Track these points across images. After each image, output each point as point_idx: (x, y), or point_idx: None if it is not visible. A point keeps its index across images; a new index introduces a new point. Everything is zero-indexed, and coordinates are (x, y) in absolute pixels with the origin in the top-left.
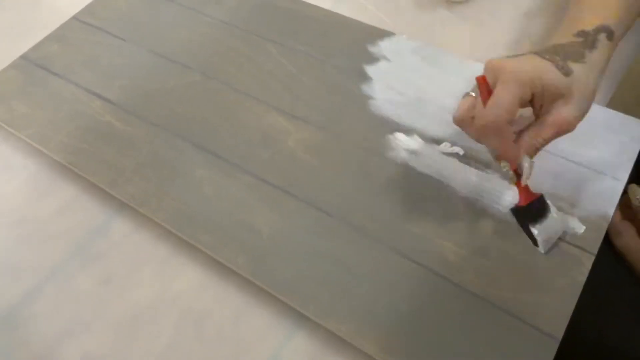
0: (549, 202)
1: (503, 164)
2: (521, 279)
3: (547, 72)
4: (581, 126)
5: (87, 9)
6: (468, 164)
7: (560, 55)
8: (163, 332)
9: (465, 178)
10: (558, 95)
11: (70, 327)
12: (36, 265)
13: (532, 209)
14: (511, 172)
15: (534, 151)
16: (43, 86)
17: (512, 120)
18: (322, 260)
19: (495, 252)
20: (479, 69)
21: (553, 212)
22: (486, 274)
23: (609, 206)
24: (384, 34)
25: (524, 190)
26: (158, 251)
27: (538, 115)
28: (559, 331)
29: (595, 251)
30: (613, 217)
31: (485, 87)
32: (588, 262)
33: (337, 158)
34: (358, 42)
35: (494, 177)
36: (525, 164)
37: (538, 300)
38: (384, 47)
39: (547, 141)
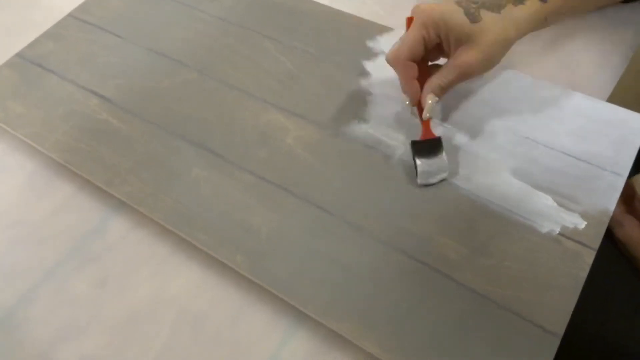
0: (443, 146)
1: (405, 97)
2: (522, 276)
3: (453, 16)
4: (582, 121)
5: (82, 7)
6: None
7: (479, 3)
8: (161, 333)
9: (463, 176)
10: (463, 40)
11: (67, 329)
12: (32, 267)
13: (425, 145)
14: (410, 107)
15: (438, 89)
16: (39, 84)
17: (413, 57)
18: (321, 259)
19: (496, 250)
20: None
21: (443, 156)
22: (487, 271)
23: (610, 201)
24: (382, 29)
25: (425, 127)
26: (155, 251)
27: (448, 58)
28: (561, 328)
29: (597, 247)
30: (615, 209)
31: (408, 26)
32: (589, 257)
33: (336, 156)
34: (356, 37)
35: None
36: (429, 101)
37: (539, 297)
38: (382, 42)
39: (451, 82)
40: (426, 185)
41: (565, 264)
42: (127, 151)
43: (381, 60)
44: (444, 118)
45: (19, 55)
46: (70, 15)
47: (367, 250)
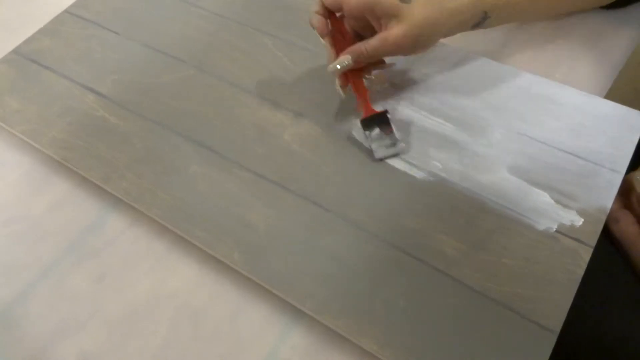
0: (389, 119)
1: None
2: (519, 273)
3: None
4: (579, 118)
5: (79, 2)
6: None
7: None
8: (159, 329)
9: (461, 173)
10: (391, 15)
11: (65, 325)
12: (30, 263)
13: (372, 120)
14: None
15: (357, 53)
16: (35, 81)
17: (312, 23)
18: (318, 256)
19: (493, 247)
20: (475, 61)
21: (393, 128)
22: (484, 268)
23: (607, 198)
24: None
25: (365, 104)
26: (153, 248)
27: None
28: (557, 325)
29: (594, 244)
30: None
31: None
32: (586, 255)
33: (333, 152)
34: None
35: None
36: (341, 58)
37: (536, 294)
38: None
39: (373, 50)
40: (383, 159)
41: (562, 261)
42: (124, 148)
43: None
44: (443, 115)
45: (15, 51)
46: (66, 11)
47: (364, 247)
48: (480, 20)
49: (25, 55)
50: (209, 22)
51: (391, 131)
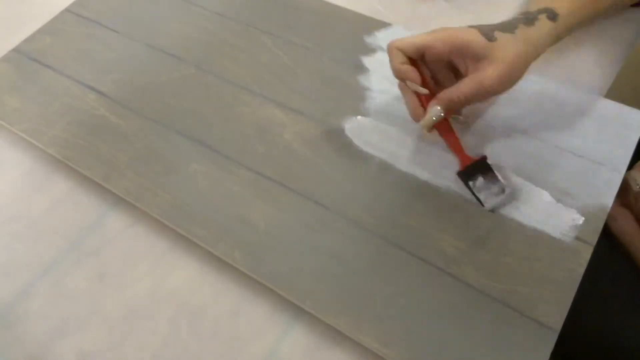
0: (490, 163)
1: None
2: (519, 271)
3: (471, 34)
4: (579, 117)
5: (79, 1)
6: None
7: (491, 27)
8: (159, 328)
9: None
10: (481, 56)
11: (65, 324)
12: (30, 262)
13: (473, 169)
14: (424, 131)
15: (447, 101)
16: (36, 80)
17: (410, 51)
18: (319, 254)
19: (493, 245)
20: None
21: (496, 173)
22: (484, 266)
23: (608, 197)
24: (380, 24)
25: (461, 154)
26: (153, 246)
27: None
28: (558, 323)
29: (594, 242)
30: None
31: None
32: (587, 253)
33: (333, 151)
34: (354, 33)
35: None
36: (431, 110)
37: (536, 292)
38: (380, 38)
39: (465, 96)
40: (495, 210)
41: (562, 259)
42: (125, 146)
43: (379, 56)
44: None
45: (16, 50)
46: (67, 10)
47: (365, 245)
48: (554, 44)
49: (26, 54)
50: (209, 21)
51: (496, 177)
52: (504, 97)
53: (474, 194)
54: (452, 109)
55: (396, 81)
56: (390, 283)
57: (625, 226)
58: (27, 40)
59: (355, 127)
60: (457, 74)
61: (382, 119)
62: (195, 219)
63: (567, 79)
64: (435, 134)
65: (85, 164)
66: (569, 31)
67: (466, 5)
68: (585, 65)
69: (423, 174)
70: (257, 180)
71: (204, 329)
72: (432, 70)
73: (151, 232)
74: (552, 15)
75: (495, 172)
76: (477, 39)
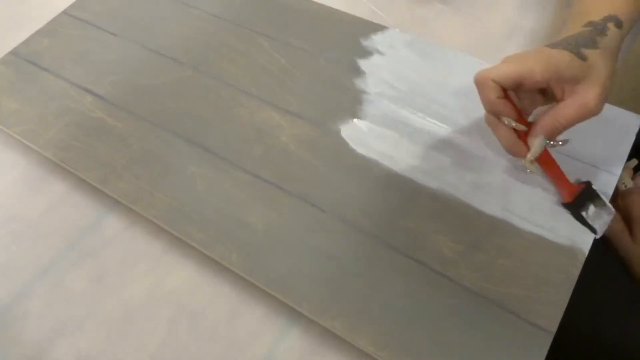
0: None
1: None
2: (515, 273)
3: (562, 56)
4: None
5: (77, 3)
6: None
7: (573, 44)
8: (157, 330)
9: (457, 175)
10: (578, 80)
11: (63, 326)
12: (27, 264)
13: (582, 199)
14: (529, 165)
15: (551, 129)
16: (33, 82)
17: (502, 82)
18: (316, 257)
19: (490, 247)
20: (472, 62)
21: (602, 197)
22: (481, 269)
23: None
24: (377, 27)
25: (566, 185)
26: (151, 249)
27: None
28: (553, 325)
29: (589, 245)
30: None
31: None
32: (582, 255)
33: (330, 153)
34: (351, 35)
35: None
36: (536, 142)
37: (532, 294)
38: (377, 40)
39: (568, 121)
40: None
41: (558, 261)
42: (122, 149)
43: (375, 59)
44: (439, 117)
45: (13, 52)
46: (64, 12)
47: (361, 247)
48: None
49: (23, 57)
50: (206, 23)
51: (604, 203)
52: None
53: (587, 224)
54: (555, 137)
55: (392, 83)
56: (386, 285)
57: (614, 227)
58: (25, 43)
59: (352, 130)
60: (544, 95)
61: (378, 121)
62: (193, 222)
63: None
64: (537, 167)
65: (83, 167)
66: (625, 37)
67: (463, 8)
68: None
69: (420, 177)
70: (255, 182)
71: (202, 331)
72: (526, 101)
73: (149, 234)
74: (618, 23)
75: (602, 197)
76: (572, 60)
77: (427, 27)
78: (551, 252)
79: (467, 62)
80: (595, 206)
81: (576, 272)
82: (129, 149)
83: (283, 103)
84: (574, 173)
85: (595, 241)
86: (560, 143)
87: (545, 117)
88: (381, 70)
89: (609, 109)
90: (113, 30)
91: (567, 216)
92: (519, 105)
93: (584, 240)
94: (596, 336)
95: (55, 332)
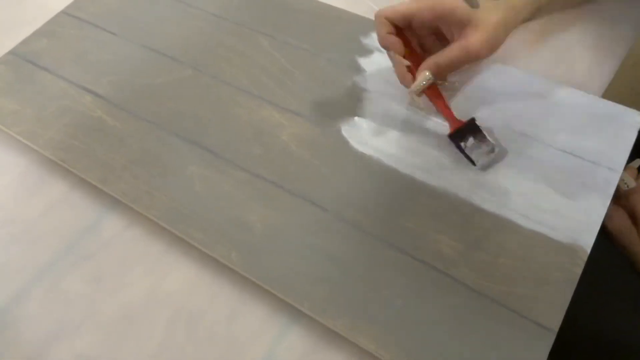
0: (479, 125)
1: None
2: (517, 271)
3: (452, 2)
4: (576, 117)
5: (76, 3)
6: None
7: None
8: (156, 331)
9: (458, 172)
10: (465, 22)
11: (61, 327)
12: (26, 265)
13: (463, 131)
14: (410, 98)
15: (435, 67)
16: (32, 82)
17: (396, 19)
18: (316, 256)
19: (491, 246)
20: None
21: (485, 133)
22: (482, 267)
23: (605, 197)
24: None
25: (451, 117)
26: (150, 249)
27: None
28: (556, 323)
29: (592, 242)
30: None
31: None
32: (584, 253)
33: (330, 152)
34: (351, 34)
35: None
36: (421, 76)
37: (534, 292)
38: (377, 39)
39: (451, 61)
40: (487, 168)
41: (560, 260)
42: (122, 149)
43: (376, 57)
44: (440, 115)
45: (11, 52)
46: (63, 12)
47: (362, 246)
48: (534, 17)
49: (22, 56)
50: (205, 23)
51: (485, 137)
52: (499, 99)
53: (465, 154)
54: (440, 74)
55: (393, 81)
56: (387, 284)
57: (621, 223)
58: (24, 43)
59: (352, 128)
60: (443, 41)
61: (379, 120)
62: (192, 221)
63: (564, 79)
64: (424, 100)
65: (82, 166)
66: (550, 6)
67: None
68: (583, 65)
69: (421, 175)
70: (254, 182)
71: (201, 331)
72: (420, 37)
73: (148, 234)
74: None
75: (485, 132)
76: (460, 5)
77: None
78: (553, 250)
79: None
80: (475, 139)
81: (578, 270)
82: (129, 148)
83: (283, 102)
84: (575, 170)
85: (599, 239)
86: (446, 83)
87: (432, 55)
88: (381, 69)
89: (610, 107)
90: (112, 30)
91: (569, 214)
92: (421, 44)
93: (586, 238)
94: (600, 333)
95: (53, 333)
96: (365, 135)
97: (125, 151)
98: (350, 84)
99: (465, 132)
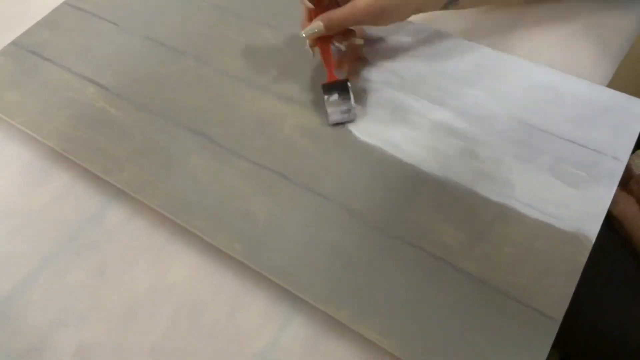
0: (349, 87)
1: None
2: (521, 261)
3: None
4: (581, 107)
5: None
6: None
7: None
8: (160, 320)
9: (462, 162)
10: None
11: (65, 317)
12: (30, 255)
13: (332, 86)
14: (306, 41)
15: (327, 19)
16: (35, 73)
17: None
18: (319, 246)
19: (495, 236)
20: (477, 50)
21: (350, 96)
22: (486, 257)
23: (610, 186)
24: None
25: (330, 71)
26: (153, 239)
27: None
28: (560, 313)
29: (596, 232)
30: None
31: None
32: (589, 243)
33: (334, 142)
34: None
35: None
36: (313, 25)
37: (538, 282)
38: (380, 28)
39: (341, 18)
40: (336, 125)
41: (564, 249)
42: (125, 139)
43: (379, 47)
44: (443, 104)
45: (14, 43)
46: (65, 2)
47: (365, 237)
48: (452, 3)
49: (25, 47)
50: (207, 13)
51: (348, 99)
52: (503, 89)
53: (325, 107)
54: (331, 27)
55: (396, 71)
56: (390, 274)
57: (627, 210)
58: (27, 34)
59: (356, 119)
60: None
61: (382, 109)
62: (195, 211)
63: (568, 69)
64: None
65: (85, 157)
66: None
67: None
68: (587, 55)
69: (424, 165)
70: (258, 172)
71: (205, 321)
72: None
73: (151, 224)
74: None
75: (351, 94)
76: None
77: (431, 15)
78: (557, 239)
79: (471, 49)
80: (339, 96)
81: (583, 259)
82: (132, 139)
83: (286, 92)
84: (580, 160)
85: (603, 228)
86: (341, 47)
87: (329, 11)
88: (385, 59)
89: (615, 96)
90: (114, 21)
91: (573, 203)
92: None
93: (591, 228)
94: (604, 322)
95: (57, 323)
96: (368, 125)
97: (129, 142)
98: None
99: (334, 88)
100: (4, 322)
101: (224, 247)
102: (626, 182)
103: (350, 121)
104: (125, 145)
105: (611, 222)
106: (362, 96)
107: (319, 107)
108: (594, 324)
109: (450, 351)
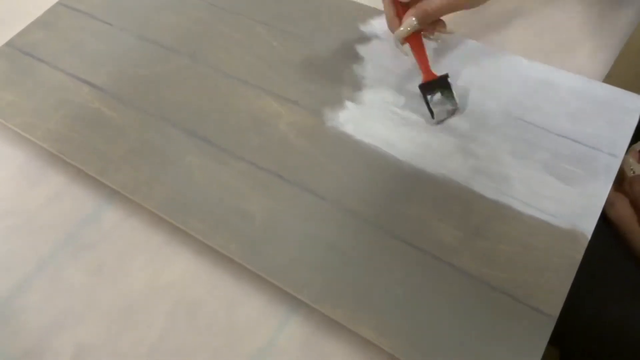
0: (450, 82)
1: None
2: (517, 258)
3: None
4: (577, 102)
5: None
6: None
7: None
8: (157, 321)
9: (457, 159)
10: None
11: (62, 318)
12: (26, 257)
13: (433, 85)
14: (399, 40)
15: (421, 12)
16: (29, 73)
17: None
18: (316, 245)
19: (491, 233)
20: (472, 45)
21: (452, 90)
22: (482, 254)
23: (606, 182)
24: (376, 12)
25: (426, 69)
26: (150, 240)
27: None
28: (556, 310)
29: (592, 229)
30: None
31: None
32: (584, 239)
33: (329, 141)
34: (349, 21)
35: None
36: (407, 21)
37: (534, 279)
38: (376, 25)
39: (438, 8)
40: (442, 121)
41: (560, 246)
42: (120, 140)
43: (374, 45)
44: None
45: (8, 44)
46: (59, 3)
47: (362, 235)
48: None
49: (19, 48)
50: (202, 12)
51: (452, 96)
52: (499, 85)
53: (429, 107)
54: (426, 21)
55: (391, 69)
56: (387, 273)
57: (622, 212)
58: (20, 34)
59: (351, 117)
60: None
61: (378, 108)
62: (192, 211)
63: (564, 64)
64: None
65: (80, 158)
66: None
67: None
68: (583, 50)
69: (420, 162)
70: (253, 171)
71: (201, 321)
72: None
73: (147, 225)
74: None
75: (453, 91)
76: None
77: None
78: (553, 236)
79: (467, 46)
80: (442, 95)
81: (578, 256)
82: (127, 139)
83: (281, 91)
84: (575, 156)
85: (599, 225)
86: (431, 37)
87: (419, 3)
88: (380, 56)
89: (610, 91)
90: (108, 20)
91: (569, 200)
92: None
93: (587, 224)
94: (599, 320)
95: (54, 324)
96: (364, 123)
97: (124, 142)
98: (349, 72)
99: (435, 85)
100: (1, 324)
101: (221, 247)
102: (619, 183)
103: (454, 113)
104: (120, 145)
105: (608, 222)
106: (356, 94)
107: (328, 107)
108: (590, 321)
109: (446, 349)
